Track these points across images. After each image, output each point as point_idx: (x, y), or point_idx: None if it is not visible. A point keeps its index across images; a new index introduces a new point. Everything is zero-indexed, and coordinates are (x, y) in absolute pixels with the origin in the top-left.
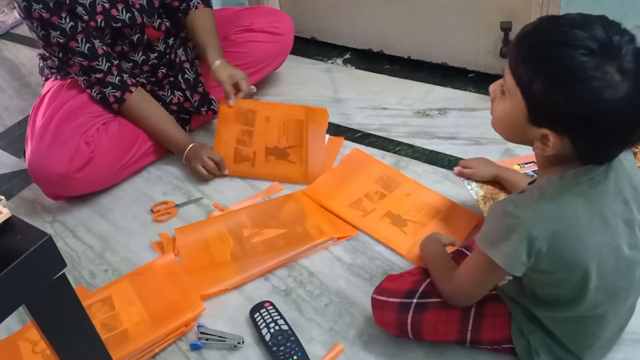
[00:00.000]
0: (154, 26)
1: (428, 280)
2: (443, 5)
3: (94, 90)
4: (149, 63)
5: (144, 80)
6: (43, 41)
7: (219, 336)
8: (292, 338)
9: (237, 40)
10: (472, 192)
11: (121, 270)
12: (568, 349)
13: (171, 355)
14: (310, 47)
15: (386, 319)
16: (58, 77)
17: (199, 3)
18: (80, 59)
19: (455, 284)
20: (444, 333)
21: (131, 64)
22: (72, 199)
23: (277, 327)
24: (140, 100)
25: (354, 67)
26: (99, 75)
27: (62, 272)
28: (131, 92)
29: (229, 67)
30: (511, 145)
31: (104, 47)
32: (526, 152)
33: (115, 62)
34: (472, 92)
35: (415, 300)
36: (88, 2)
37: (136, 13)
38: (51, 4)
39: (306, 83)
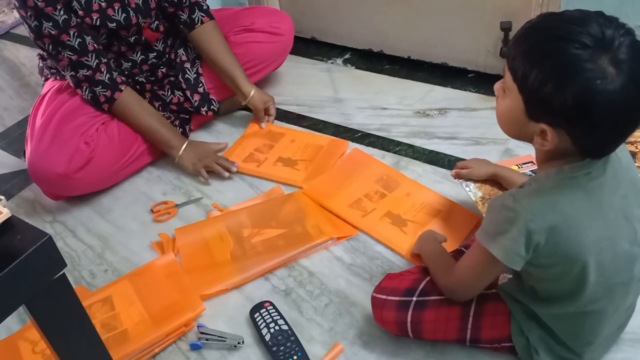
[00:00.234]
0: (151, 27)
1: (427, 278)
2: (443, 5)
3: (84, 89)
4: (148, 62)
5: (144, 80)
6: (34, 33)
7: (219, 336)
8: (292, 338)
9: (237, 41)
10: (471, 193)
11: (121, 270)
12: (568, 347)
13: (171, 355)
14: (310, 47)
15: (386, 318)
16: (57, 77)
17: (203, 16)
18: (69, 53)
19: (454, 278)
20: (444, 331)
21: (130, 64)
22: (72, 199)
23: (277, 327)
24: (130, 99)
25: (354, 67)
26: (87, 72)
27: (62, 272)
28: (121, 90)
29: (262, 93)
30: (511, 145)
31: (95, 44)
32: (525, 152)
33: (104, 60)
34: (472, 92)
35: (414, 299)
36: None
37: (131, 13)
38: None
39: (306, 83)
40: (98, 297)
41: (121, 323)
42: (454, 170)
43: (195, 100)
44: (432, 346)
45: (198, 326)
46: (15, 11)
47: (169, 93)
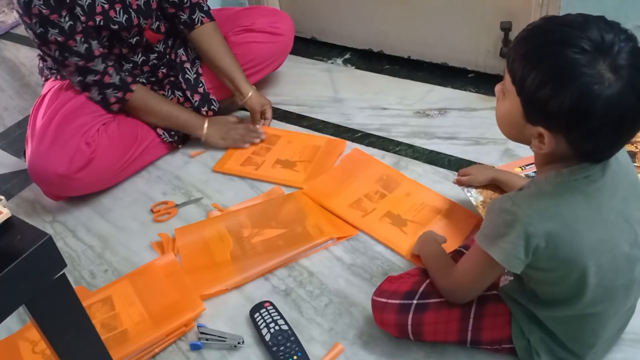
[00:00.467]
0: (152, 28)
1: (427, 281)
2: (443, 5)
3: (92, 92)
4: (149, 63)
5: (144, 81)
6: (40, 39)
7: (219, 336)
8: (292, 338)
9: (237, 41)
10: (472, 198)
11: (121, 270)
12: (569, 349)
13: (171, 355)
14: (310, 47)
15: (386, 321)
16: (58, 77)
17: (203, 17)
18: (76, 58)
19: (454, 280)
20: (445, 333)
21: (131, 65)
22: (72, 199)
23: (277, 327)
24: (143, 95)
25: (354, 67)
26: (95, 77)
27: (62, 272)
28: (132, 91)
29: (260, 95)
30: (511, 145)
31: (101, 49)
32: (526, 153)
33: (111, 64)
34: (472, 92)
35: (415, 301)
36: (87, 2)
37: (133, 14)
38: (52, 1)
39: (306, 83)
40: (98, 297)
41: (121, 323)
42: (455, 178)
43: (196, 101)
44: (432, 347)
45: (198, 326)
46: (15, 11)
47: (169, 93)
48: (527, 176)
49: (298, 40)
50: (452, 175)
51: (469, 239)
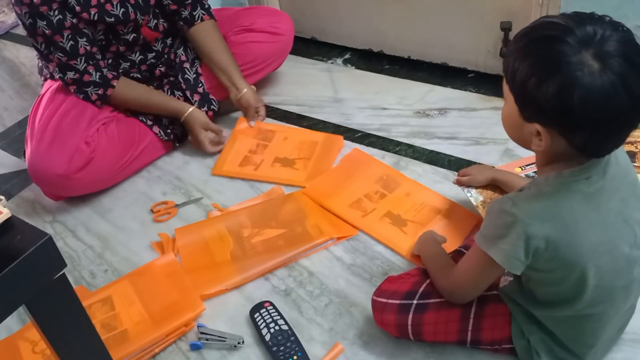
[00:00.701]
0: (149, 26)
1: (428, 281)
2: (443, 5)
3: (73, 89)
4: (147, 63)
5: (140, 77)
6: (29, 30)
7: (219, 336)
8: (292, 338)
9: (237, 41)
10: (472, 198)
11: (121, 270)
12: (569, 349)
13: (171, 355)
14: (310, 47)
15: (386, 321)
16: (37, 54)
17: (203, 14)
18: (60, 54)
19: (453, 280)
20: (445, 333)
21: (128, 64)
22: (72, 199)
23: (277, 327)
24: (125, 88)
25: (354, 67)
26: (74, 76)
27: (62, 272)
28: (113, 86)
29: (254, 93)
30: (511, 145)
31: (88, 47)
32: (526, 153)
33: (92, 62)
34: (472, 92)
35: (415, 302)
36: None
37: (130, 9)
38: None
39: (306, 83)
40: (98, 297)
41: (121, 323)
42: (455, 178)
43: (195, 101)
44: (432, 347)
45: (198, 326)
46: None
47: (169, 93)
48: (527, 176)
49: (298, 40)
50: (452, 175)
51: (469, 239)
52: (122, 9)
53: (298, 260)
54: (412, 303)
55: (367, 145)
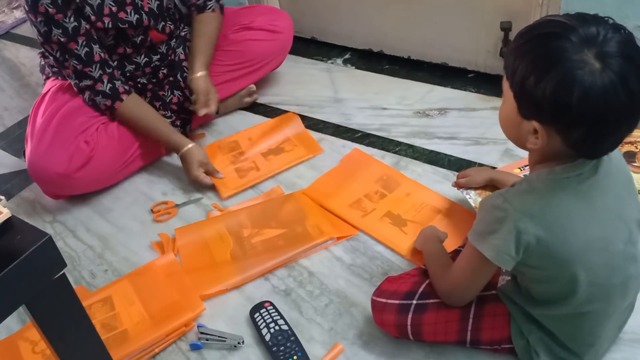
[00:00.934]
0: (157, 28)
1: (427, 281)
2: (443, 5)
3: (85, 95)
4: (152, 65)
5: (145, 81)
6: (43, 37)
7: (219, 336)
8: (292, 338)
9: (235, 39)
10: (471, 200)
11: (121, 270)
12: (568, 349)
13: (171, 355)
14: (310, 47)
15: (386, 321)
16: (59, 77)
17: (216, 7)
18: (75, 62)
19: (449, 281)
20: (444, 333)
21: (133, 66)
22: (72, 198)
23: (277, 327)
24: (133, 105)
25: (354, 67)
26: (88, 82)
27: (62, 272)
28: (122, 100)
29: (206, 80)
30: (511, 145)
31: (102, 54)
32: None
33: (109, 71)
34: (472, 92)
35: (414, 302)
36: (96, 3)
37: (144, 16)
38: (59, 1)
39: (306, 83)
40: (98, 297)
41: (121, 323)
42: (453, 182)
43: None
44: (432, 347)
45: (198, 326)
46: (15, 11)
47: (169, 93)
48: (526, 177)
49: (298, 40)
50: (452, 175)
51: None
52: (137, 16)
53: (298, 260)
54: (411, 303)
55: (367, 145)
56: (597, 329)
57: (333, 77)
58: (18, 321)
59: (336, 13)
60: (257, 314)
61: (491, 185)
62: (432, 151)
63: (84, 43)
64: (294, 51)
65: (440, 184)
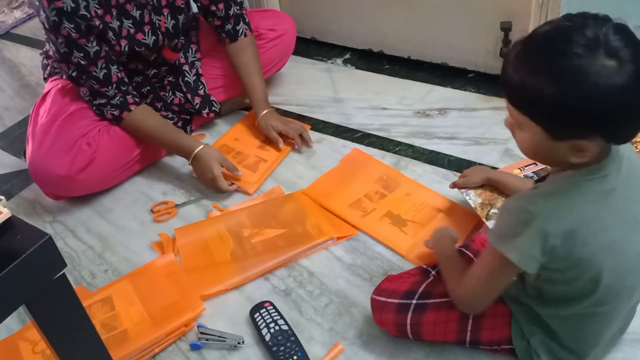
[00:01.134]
0: (170, 46)
1: (427, 281)
2: (443, 5)
3: (94, 108)
4: (159, 76)
5: (149, 87)
6: (62, 58)
7: (219, 336)
8: (292, 338)
9: None
10: (470, 200)
11: (121, 270)
12: (570, 349)
13: (171, 355)
14: (310, 47)
15: (385, 320)
16: (64, 76)
17: (246, 29)
18: (93, 82)
19: (465, 288)
20: (444, 333)
21: (142, 77)
22: (72, 198)
23: (277, 327)
24: (141, 115)
25: (354, 67)
26: (102, 101)
27: (62, 272)
28: (130, 110)
29: (272, 118)
30: (511, 145)
31: (119, 74)
32: None
33: (124, 89)
34: (472, 92)
35: (414, 301)
36: (116, 25)
37: (160, 36)
38: (83, 26)
39: (306, 83)
40: (98, 297)
41: (121, 323)
42: (451, 182)
43: (197, 103)
44: (432, 347)
45: (198, 326)
46: (15, 11)
47: (170, 94)
48: (526, 177)
49: (298, 40)
50: (452, 175)
51: (469, 238)
52: (154, 37)
53: (298, 260)
54: (411, 303)
55: (367, 145)
56: (603, 330)
57: (333, 77)
58: (18, 321)
59: (336, 13)
60: (257, 314)
61: (490, 185)
62: (432, 151)
63: (103, 65)
64: (295, 51)
65: (440, 184)
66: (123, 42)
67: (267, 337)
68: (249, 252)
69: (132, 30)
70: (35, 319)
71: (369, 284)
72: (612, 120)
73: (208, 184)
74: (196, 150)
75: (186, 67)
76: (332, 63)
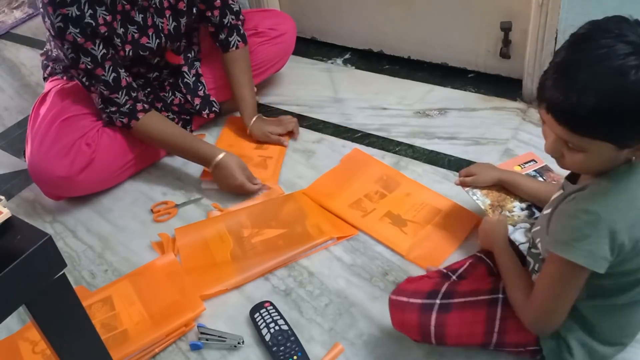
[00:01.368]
0: (173, 49)
1: (449, 281)
2: (443, 5)
3: (104, 114)
4: (160, 79)
5: (150, 89)
6: (70, 63)
7: (219, 336)
8: (292, 338)
9: None
10: (479, 202)
11: (121, 270)
12: (607, 342)
13: (171, 355)
14: (310, 47)
15: (407, 321)
16: (64, 77)
17: (239, 42)
18: (103, 87)
19: (535, 308)
20: (469, 335)
21: (143, 80)
22: (72, 198)
23: (277, 327)
24: (152, 122)
25: (354, 67)
26: (113, 108)
27: (62, 272)
28: (137, 119)
29: (263, 124)
30: (511, 145)
31: (128, 78)
32: (523, 151)
33: (134, 95)
34: (472, 92)
35: (438, 301)
36: (122, 31)
37: (163, 39)
38: (88, 31)
39: (306, 83)
40: (98, 297)
41: (121, 323)
42: (458, 179)
43: (197, 104)
44: (433, 347)
45: (198, 326)
46: (15, 11)
47: (170, 94)
48: (529, 175)
49: (298, 40)
50: (452, 175)
51: (482, 247)
52: (157, 40)
53: (298, 260)
54: (435, 302)
55: (367, 145)
56: None
57: (333, 77)
58: (18, 321)
59: (336, 13)
60: (257, 314)
61: (498, 185)
62: (432, 151)
63: (111, 68)
64: (295, 51)
65: (440, 184)
66: (127, 47)
67: (267, 337)
68: (249, 252)
69: (136, 35)
70: (35, 319)
71: (369, 284)
72: None
73: (232, 190)
74: (218, 159)
75: (185, 68)
76: (332, 63)
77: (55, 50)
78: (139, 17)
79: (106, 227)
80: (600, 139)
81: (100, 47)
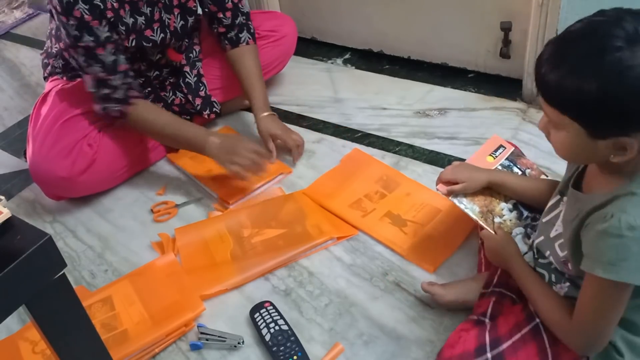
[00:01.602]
0: (175, 47)
1: (487, 328)
2: (443, 5)
3: (97, 104)
4: (161, 78)
5: (150, 88)
6: (71, 40)
7: (219, 336)
8: (292, 338)
9: None
10: (467, 210)
11: (121, 270)
12: None
13: (171, 355)
14: (310, 47)
15: None
16: (64, 77)
17: (249, 38)
18: (99, 67)
19: (583, 330)
20: None
21: (143, 79)
22: (72, 199)
23: (277, 327)
24: (148, 110)
25: (354, 67)
26: (107, 91)
27: (62, 272)
28: (130, 104)
29: (272, 124)
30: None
31: (126, 64)
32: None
33: (129, 81)
34: (472, 92)
35: (489, 355)
36: (130, 22)
37: (169, 35)
38: (97, 11)
39: (306, 83)
40: (98, 297)
41: (121, 323)
42: (445, 189)
43: (197, 104)
44: (432, 347)
45: (198, 326)
46: (15, 11)
47: (171, 94)
48: (502, 166)
49: (298, 40)
50: None
51: (486, 271)
52: (162, 35)
53: (298, 260)
54: (487, 358)
55: (367, 145)
56: None
57: (333, 77)
58: (18, 321)
59: (336, 13)
60: (257, 314)
61: (488, 189)
62: (432, 151)
63: (112, 51)
64: (295, 51)
65: None
66: (132, 37)
67: (267, 337)
68: (249, 252)
69: (142, 26)
70: (35, 319)
71: (369, 284)
72: None
73: (243, 157)
74: (216, 130)
75: (187, 68)
76: (332, 63)
77: (55, 45)
78: (146, 10)
79: (106, 227)
80: (569, 115)
81: (106, 28)
